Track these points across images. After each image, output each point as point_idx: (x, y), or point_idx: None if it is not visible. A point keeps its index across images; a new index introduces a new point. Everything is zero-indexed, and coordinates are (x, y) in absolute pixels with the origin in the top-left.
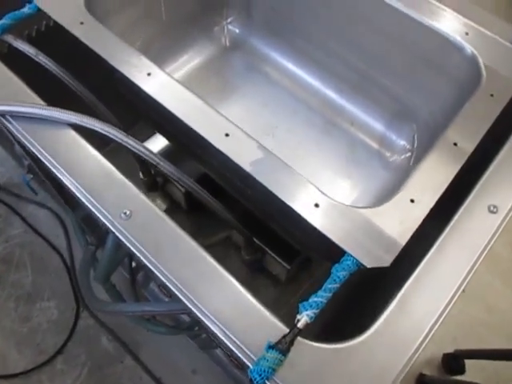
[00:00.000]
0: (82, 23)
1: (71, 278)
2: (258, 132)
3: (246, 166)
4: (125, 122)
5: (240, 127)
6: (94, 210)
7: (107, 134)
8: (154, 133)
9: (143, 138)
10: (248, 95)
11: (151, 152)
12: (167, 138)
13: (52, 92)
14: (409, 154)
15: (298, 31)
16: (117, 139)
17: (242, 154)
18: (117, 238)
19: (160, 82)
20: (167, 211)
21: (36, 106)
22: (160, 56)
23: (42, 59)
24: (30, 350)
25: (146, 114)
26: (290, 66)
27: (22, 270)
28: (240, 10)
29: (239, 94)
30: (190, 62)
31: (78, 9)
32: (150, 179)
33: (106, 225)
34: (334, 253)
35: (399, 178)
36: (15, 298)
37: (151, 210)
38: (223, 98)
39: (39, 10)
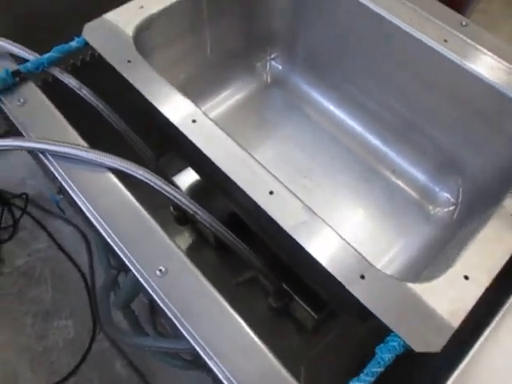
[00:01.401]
0: (129, 61)
1: (90, 298)
2: (295, 174)
3: (290, 228)
4: (156, 150)
5: (284, 185)
6: (127, 262)
7: (148, 182)
8: (186, 166)
9: (174, 169)
10: (286, 134)
11: (190, 201)
12: (202, 177)
13: (90, 123)
14: (452, 207)
15: (342, 73)
16: (157, 187)
17: (286, 214)
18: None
19: (205, 131)
20: (194, 244)
21: (77, 148)
22: (202, 90)
23: (85, 93)
24: (43, 368)
25: (184, 153)
26: (332, 108)
27: (43, 285)
28: (284, 48)
29: (277, 133)
30: (230, 97)
31: (125, 45)
32: (181, 214)
33: (138, 279)
34: (370, 316)
35: (441, 232)
36: (33, 314)
37: (189, 269)
38: (261, 135)
39: (87, 43)
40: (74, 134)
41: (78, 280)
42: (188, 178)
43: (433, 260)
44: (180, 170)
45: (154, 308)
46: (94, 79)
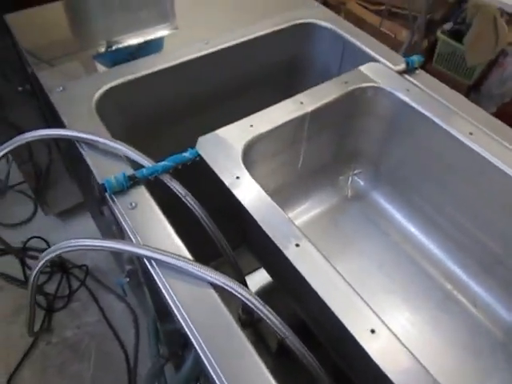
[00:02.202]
0: (237, 177)
1: (130, 381)
2: (371, 293)
3: (392, 374)
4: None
5: (385, 323)
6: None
7: (247, 302)
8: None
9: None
10: (364, 252)
11: (281, 322)
12: (283, 289)
13: (188, 227)
14: None
15: (426, 197)
16: (254, 308)
17: (387, 357)
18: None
19: (308, 257)
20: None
21: (183, 260)
22: (287, 200)
23: (189, 200)
24: None
25: (274, 267)
26: (413, 230)
27: (86, 361)
28: (368, 165)
29: (355, 249)
30: (312, 208)
31: (235, 161)
32: (248, 317)
33: None
34: None
35: None
36: None
37: None
38: (339, 250)
39: (199, 155)
40: (178, 243)
41: (121, 360)
42: (260, 277)
43: None
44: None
45: None
46: (190, 178)
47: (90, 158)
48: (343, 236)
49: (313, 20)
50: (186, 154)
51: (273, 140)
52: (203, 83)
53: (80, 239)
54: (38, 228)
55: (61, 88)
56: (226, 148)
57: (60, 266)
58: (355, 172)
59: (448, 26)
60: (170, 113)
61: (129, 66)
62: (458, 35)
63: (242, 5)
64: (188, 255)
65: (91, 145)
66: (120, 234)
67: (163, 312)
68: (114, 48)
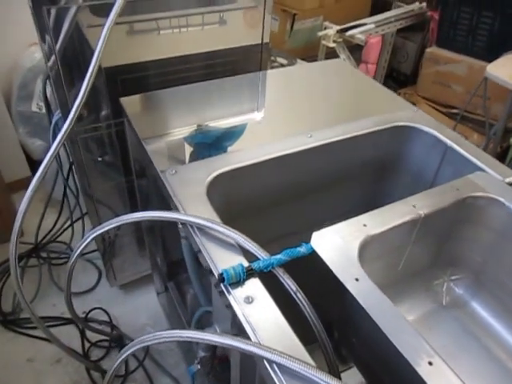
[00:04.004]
0: (357, 279)
1: None
2: None
3: None
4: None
5: None
6: None
7: None
8: None
9: None
10: (461, 363)
11: None
12: None
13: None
14: None
15: None
16: None
17: None
18: None
19: (444, 381)
20: None
21: (314, 370)
22: None
23: (300, 297)
24: None
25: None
26: None
27: None
28: (468, 273)
29: (451, 359)
30: (406, 313)
31: (352, 261)
32: None
33: None
34: None
35: None
36: None
37: None
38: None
39: (313, 251)
40: (298, 345)
41: None
42: None
43: None
44: None
45: None
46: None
47: (205, 245)
48: (438, 348)
49: (415, 124)
50: (302, 249)
51: (383, 241)
52: (302, 174)
53: (185, 331)
54: (100, 298)
55: (174, 171)
56: (341, 247)
57: (118, 341)
58: (452, 278)
59: None
60: (271, 198)
61: (235, 156)
62: None
63: (341, 102)
64: (312, 362)
65: (202, 229)
66: (233, 327)
67: None
68: (202, 131)
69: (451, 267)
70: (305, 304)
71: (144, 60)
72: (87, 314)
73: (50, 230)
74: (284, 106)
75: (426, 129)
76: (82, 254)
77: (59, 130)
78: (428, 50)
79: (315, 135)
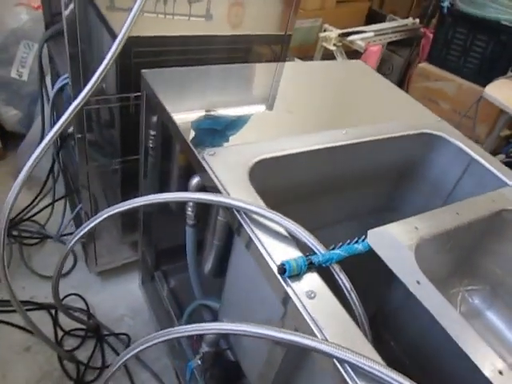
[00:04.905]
0: (418, 282)
1: None
2: None
3: None
4: None
5: None
6: None
7: None
8: None
9: None
10: None
11: None
12: None
13: None
14: None
15: None
16: None
17: None
18: None
19: None
20: None
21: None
22: None
23: (353, 297)
24: None
25: None
26: None
27: None
28: (485, 284)
29: None
30: None
31: (409, 263)
32: None
33: None
34: None
35: None
36: None
37: None
38: None
39: (370, 249)
40: (367, 344)
41: None
42: None
43: None
44: None
45: None
46: None
47: (257, 234)
48: None
49: (441, 133)
50: (359, 247)
51: (431, 246)
52: (330, 170)
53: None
54: (75, 284)
55: (213, 152)
56: (397, 247)
57: (94, 331)
58: (468, 288)
59: None
60: (296, 193)
61: (273, 144)
62: None
63: (363, 102)
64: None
65: (250, 216)
66: (292, 320)
67: None
68: (211, 116)
69: (468, 278)
70: (357, 304)
71: (162, 35)
72: (62, 299)
73: (25, 209)
74: (307, 100)
75: (451, 139)
76: (61, 235)
77: (66, 96)
78: (420, 65)
79: (349, 132)
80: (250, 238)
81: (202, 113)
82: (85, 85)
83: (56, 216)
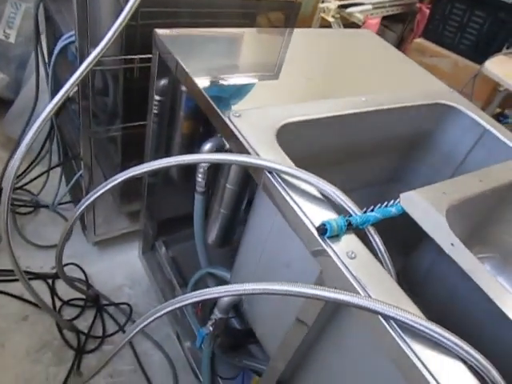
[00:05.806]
0: (452, 244)
1: None
2: None
3: None
4: None
5: None
6: None
7: None
8: None
9: None
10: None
11: None
12: None
13: None
14: None
15: None
16: None
17: None
18: None
19: None
20: None
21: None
22: None
23: (386, 259)
24: None
25: None
26: None
27: None
28: (496, 252)
29: None
30: None
31: (442, 226)
32: None
33: None
34: None
35: None
36: None
37: None
38: None
39: (404, 212)
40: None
41: None
42: None
43: None
44: None
45: None
46: None
47: (293, 196)
48: None
49: (456, 104)
50: (393, 210)
51: (458, 211)
52: (348, 137)
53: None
54: (71, 254)
55: (238, 114)
56: (429, 211)
57: (94, 300)
58: (478, 256)
59: None
60: (323, 157)
61: (299, 108)
62: None
63: (377, 71)
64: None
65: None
66: (331, 281)
67: None
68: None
69: (479, 245)
70: (390, 266)
71: None
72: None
73: (19, 176)
74: (323, 67)
75: (465, 110)
76: (58, 204)
77: (70, 56)
78: (416, 40)
79: (369, 100)
80: (285, 199)
81: (220, 75)
82: (92, 43)
83: (48, 185)
